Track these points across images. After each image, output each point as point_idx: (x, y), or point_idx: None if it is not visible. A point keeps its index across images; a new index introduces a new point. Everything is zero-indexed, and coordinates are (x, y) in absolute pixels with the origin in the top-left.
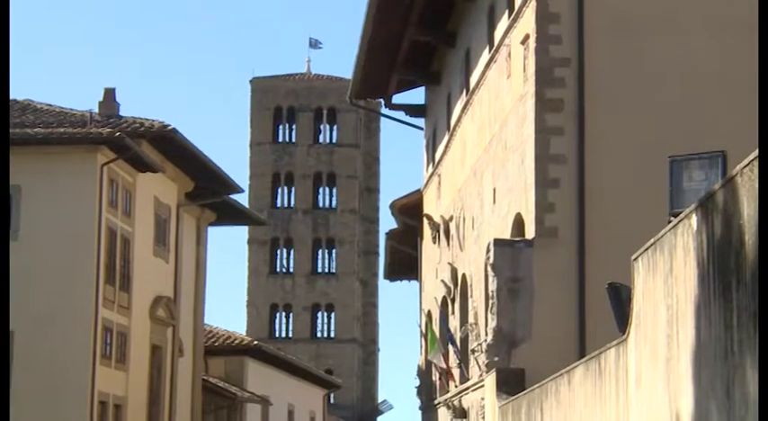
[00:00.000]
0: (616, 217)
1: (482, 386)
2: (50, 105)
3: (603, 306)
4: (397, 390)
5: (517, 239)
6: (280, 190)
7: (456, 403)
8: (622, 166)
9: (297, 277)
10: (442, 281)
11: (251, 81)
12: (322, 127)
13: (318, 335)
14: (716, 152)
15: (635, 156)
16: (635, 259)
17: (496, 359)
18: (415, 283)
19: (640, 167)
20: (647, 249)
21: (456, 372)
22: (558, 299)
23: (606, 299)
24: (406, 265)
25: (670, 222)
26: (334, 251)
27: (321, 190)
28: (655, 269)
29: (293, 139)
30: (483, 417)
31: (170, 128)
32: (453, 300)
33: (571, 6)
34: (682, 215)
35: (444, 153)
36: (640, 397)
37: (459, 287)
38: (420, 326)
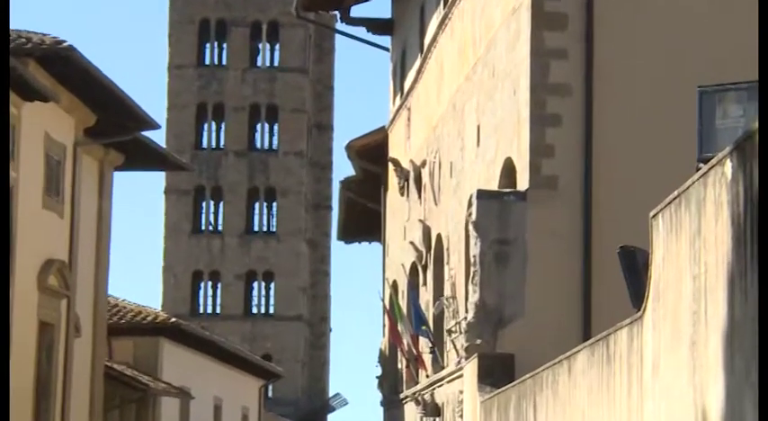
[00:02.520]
0: (631, 163)
1: (460, 376)
2: None
3: (614, 275)
4: (352, 381)
5: (506, 191)
6: (206, 126)
7: (427, 397)
8: (640, 99)
9: (227, 237)
10: (412, 243)
11: None
12: (260, 46)
13: (254, 310)
14: (757, 81)
15: (655, 87)
16: (654, 216)
17: (479, 342)
18: (377, 246)
19: (662, 101)
20: (669, 204)
21: (428, 359)
22: (557, 266)
23: (617, 266)
24: (365, 223)
25: (698, 170)
26: (274, 204)
27: (259, 126)
28: (679, 229)
29: (224, 62)
30: (461, 415)
31: (66, 45)
32: (425, 268)
33: None
34: (713, 161)
35: (416, 81)
36: (658, 389)
37: (432, 251)
38: (383, 300)
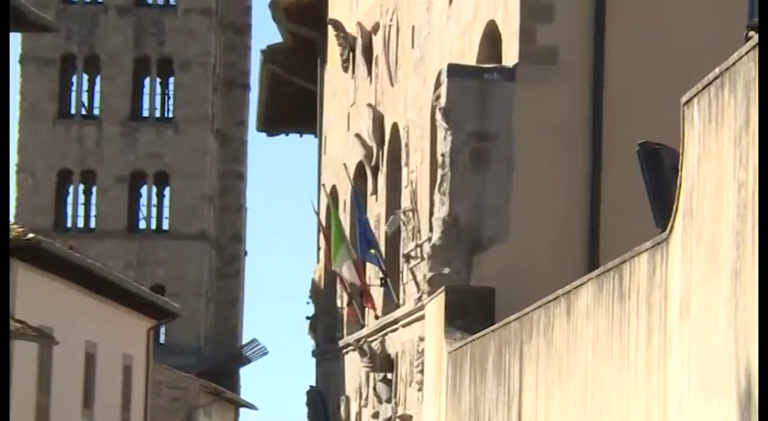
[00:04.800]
0: (657, 30)
1: (421, 317)
2: None
3: (631, 182)
4: (274, 323)
5: (489, 66)
6: None
7: (376, 346)
8: None
9: (106, 124)
10: (358, 136)
11: None
12: None
13: (141, 225)
14: None
15: None
16: (687, 103)
17: (447, 271)
18: (310, 139)
19: None
20: (707, 86)
21: (377, 294)
22: (554, 169)
23: (636, 169)
24: (295, 108)
25: (748, 39)
26: (171, 81)
27: None
28: (720, 119)
29: None
30: (421, 370)
31: None
32: (376, 170)
33: None
34: None
35: None
36: (688, 335)
37: (386, 147)
38: (317, 213)
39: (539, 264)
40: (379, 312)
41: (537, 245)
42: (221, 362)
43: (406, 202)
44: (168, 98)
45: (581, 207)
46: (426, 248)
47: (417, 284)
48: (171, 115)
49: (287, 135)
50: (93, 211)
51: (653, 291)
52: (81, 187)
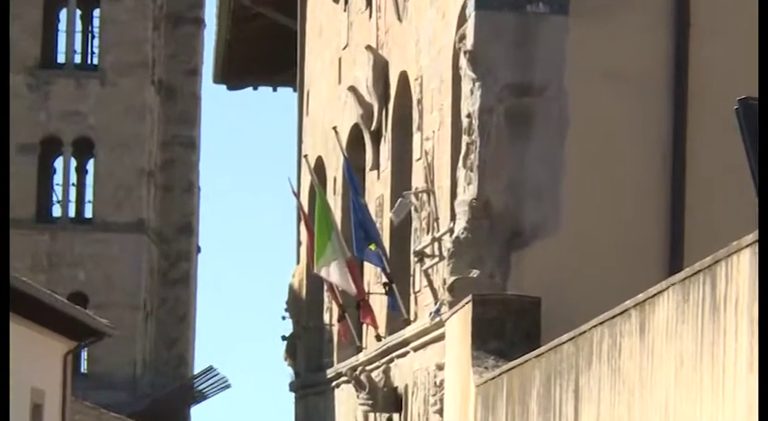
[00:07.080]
0: None
1: (440, 338)
2: None
3: (726, 151)
4: (237, 346)
5: None
6: None
7: (377, 376)
8: None
9: (14, 75)
10: (353, 90)
11: None
12: None
13: (55, 212)
14: None
15: None
16: None
17: (474, 273)
18: (287, 94)
19: None
20: None
21: (379, 305)
22: (622, 136)
23: (734, 135)
24: (266, 52)
25: None
26: (95, 14)
27: None
28: None
29: None
30: (440, 410)
31: None
32: (378, 136)
33: None
34: None
35: None
36: None
37: (391, 104)
38: (297, 195)
39: (600, 265)
40: (381, 331)
41: (598, 238)
42: (166, 398)
43: (418, 181)
44: (92, 38)
45: (659, 187)
46: (447, 243)
47: (434, 292)
48: (96, 61)
49: (255, 88)
50: None
51: (757, 301)
52: None
